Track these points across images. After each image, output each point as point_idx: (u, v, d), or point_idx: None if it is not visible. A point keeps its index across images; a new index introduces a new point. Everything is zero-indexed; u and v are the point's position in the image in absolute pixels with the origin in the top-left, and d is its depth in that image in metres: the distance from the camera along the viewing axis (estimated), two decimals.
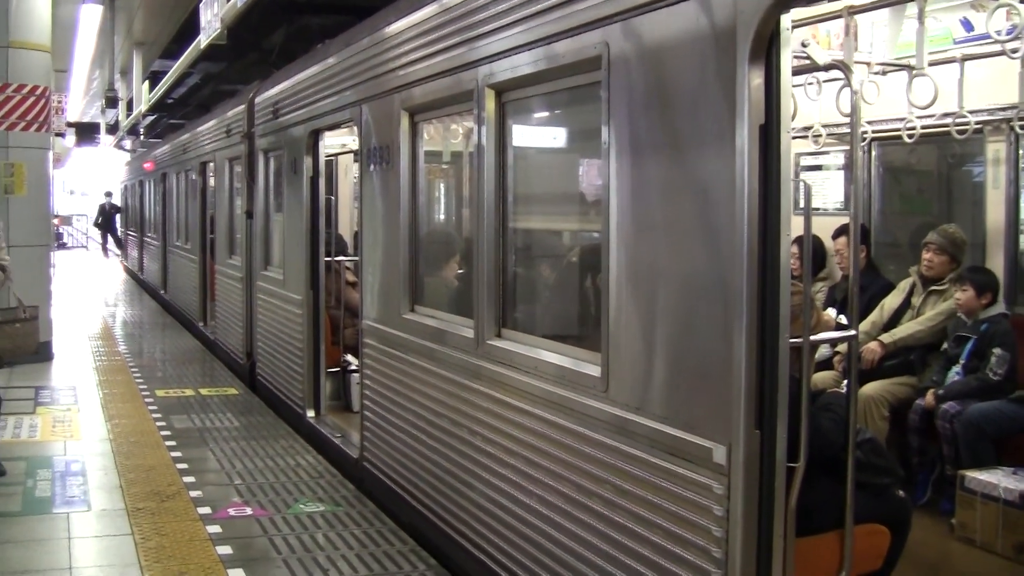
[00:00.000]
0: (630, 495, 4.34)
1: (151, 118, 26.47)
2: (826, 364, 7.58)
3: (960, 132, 6.99)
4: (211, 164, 15.49)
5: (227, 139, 13.81)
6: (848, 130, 5.56)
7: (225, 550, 6.41)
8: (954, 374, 6.93)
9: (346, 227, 12.18)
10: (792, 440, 3.82)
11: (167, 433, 9.54)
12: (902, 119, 7.31)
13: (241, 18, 11.41)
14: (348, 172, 12.63)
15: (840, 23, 6.47)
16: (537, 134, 6.41)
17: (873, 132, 7.88)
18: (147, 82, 23.11)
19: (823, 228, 8.29)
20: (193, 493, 7.59)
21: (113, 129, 30.67)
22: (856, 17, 6.42)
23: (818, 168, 8.61)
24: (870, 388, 7.17)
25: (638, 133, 4.34)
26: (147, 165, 24.93)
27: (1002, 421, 6.51)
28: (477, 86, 5.80)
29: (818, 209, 8.55)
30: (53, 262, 14.92)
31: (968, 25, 7.08)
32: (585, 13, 4.64)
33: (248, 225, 12.42)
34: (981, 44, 6.80)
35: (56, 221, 31.81)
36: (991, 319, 6.88)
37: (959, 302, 7.02)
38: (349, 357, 10.14)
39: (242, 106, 12.78)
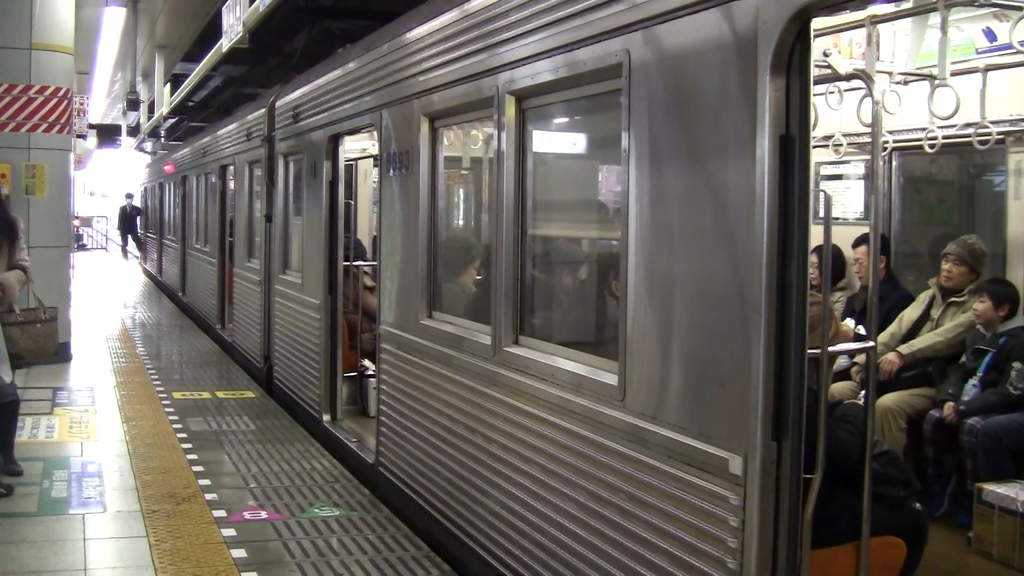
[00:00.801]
0: (645, 504, 4.32)
1: (172, 120, 26.62)
2: (844, 375, 7.55)
3: (982, 143, 6.95)
4: (231, 167, 15.54)
5: (247, 142, 13.85)
6: (869, 139, 5.54)
7: (240, 553, 6.42)
8: (971, 387, 6.88)
9: (364, 232, 12.19)
10: (809, 451, 3.80)
11: (183, 435, 9.56)
12: (923, 129, 7.28)
13: (263, 22, 11.47)
14: (368, 177, 12.64)
15: (862, 32, 6.44)
16: (557, 141, 6.40)
17: (894, 142, 7.84)
18: (169, 85, 23.24)
19: (843, 238, 8.25)
20: (208, 496, 7.60)
21: (134, 131, 30.86)
22: (878, 26, 6.40)
23: (838, 177, 8.57)
24: (888, 399, 7.13)
25: (658, 141, 4.33)
26: (167, 167, 25.03)
27: (1022, 434, 6.46)
28: (497, 92, 5.79)
29: (838, 219, 8.51)
30: (73, 263, 14.97)
31: (991, 35, 7.04)
32: (606, 21, 4.63)
33: (267, 229, 12.44)
34: (1004, 55, 6.76)
35: (76, 222, 31.96)
36: (1010, 332, 6.83)
37: (977, 313, 6.97)
38: (366, 362, 10.14)
39: (262, 110, 12.81)
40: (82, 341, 15.05)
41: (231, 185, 15.85)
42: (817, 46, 3.70)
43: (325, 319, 9.74)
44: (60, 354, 13.29)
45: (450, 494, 6.49)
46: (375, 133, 8.17)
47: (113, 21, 19.13)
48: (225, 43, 12.95)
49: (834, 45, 6.75)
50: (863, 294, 7.95)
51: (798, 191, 3.63)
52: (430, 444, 6.82)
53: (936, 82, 6.47)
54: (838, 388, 7.29)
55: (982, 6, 6.08)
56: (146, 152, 33.45)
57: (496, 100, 5.81)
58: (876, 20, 6.22)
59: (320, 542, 6.70)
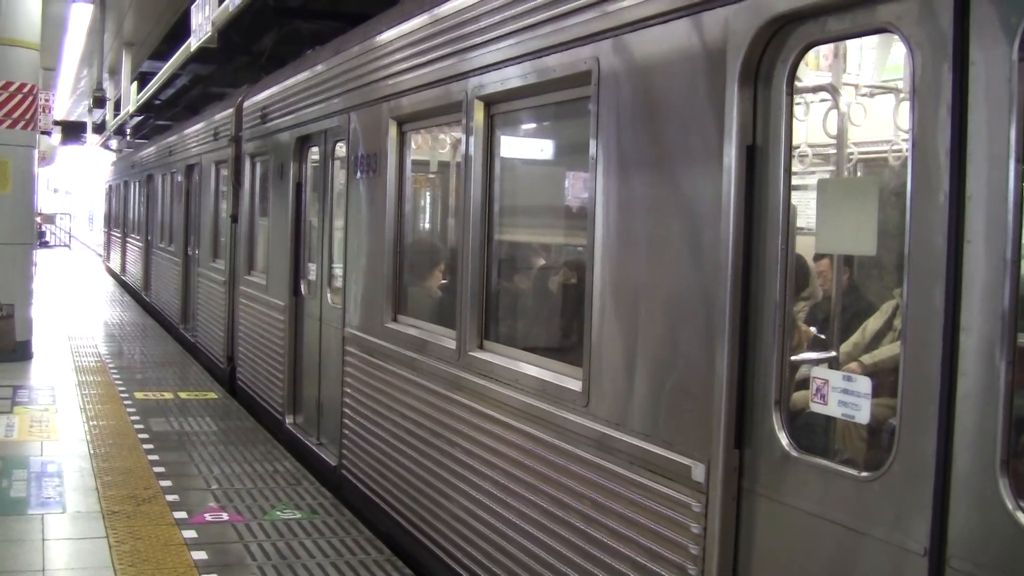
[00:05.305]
0: (608, 511, 4.34)
1: (138, 119, 26.43)
2: (807, 383, 7.57)
3: None
4: (197, 167, 15.46)
5: (214, 142, 13.79)
6: (835, 151, 5.59)
7: (200, 555, 6.38)
8: None
9: None
10: None
11: (145, 436, 9.50)
12: (888, 142, 7.33)
13: (232, 21, 11.41)
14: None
15: (829, 44, 6.48)
16: (525, 147, 6.41)
17: (859, 154, 7.89)
18: (135, 83, 23.07)
19: (810, 248, 8.27)
20: (169, 497, 7.55)
21: (100, 128, 30.60)
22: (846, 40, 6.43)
23: (804, 188, 8.59)
24: None
25: (626, 149, 4.35)
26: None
27: None
28: (466, 97, 5.80)
29: (803, 229, 8.54)
30: (35, 261, 14.84)
31: None
32: (576, 28, 4.65)
33: (232, 229, 12.39)
34: None
35: (39, 220, 31.71)
36: None
37: None
38: None
39: (230, 110, 12.76)
40: (44, 339, 14.91)
41: (197, 184, 15.78)
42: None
43: (289, 321, 9.71)
44: (21, 352, 13.23)
45: (413, 498, 6.48)
46: (323, 140, 8.15)
47: (80, 17, 18.98)
48: (193, 42, 12.87)
49: None
50: (826, 304, 7.99)
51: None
52: (393, 447, 6.82)
53: (901, 95, 6.52)
54: (801, 397, 7.32)
55: None
56: (111, 150, 33.20)
57: (465, 105, 5.82)
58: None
59: (282, 545, 6.67)
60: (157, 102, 23.87)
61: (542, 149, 6.54)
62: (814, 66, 7.11)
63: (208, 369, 13.65)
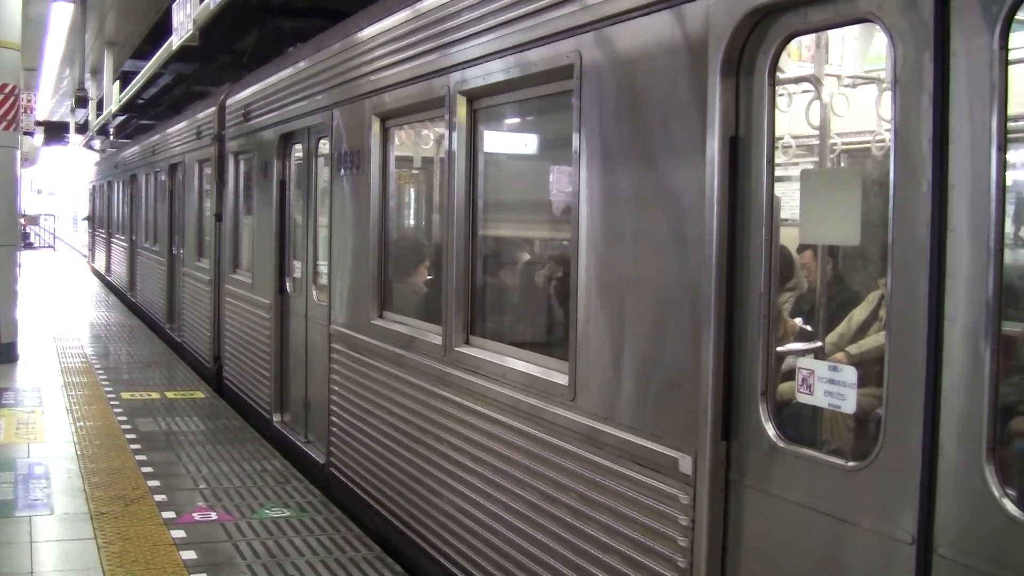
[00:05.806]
0: (596, 504, 4.34)
1: (121, 118, 26.32)
2: (793, 375, 7.58)
3: None
4: (181, 166, 15.42)
5: (197, 141, 13.75)
6: (818, 142, 5.60)
7: (189, 555, 6.37)
8: None
9: None
10: None
11: (132, 436, 9.47)
12: (872, 132, 7.34)
13: (214, 20, 11.38)
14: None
15: (811, 35, 6.49)
16: (508, 141, 6.41)
17: (843, 144, 7.90)
18: (118, 82, 22.98)
19: (794, 239, 8.29)
20: (158, 497, 7.53)
21: (83, 129, 30.48)
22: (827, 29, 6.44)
23: (787, 179, 8.60)
24: None
25: (609, 142, 4.35)
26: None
27: None
28: (449, 92, 5.79)
29: (787, 220, 8.54)
30: (19, 262, 14.78)
31: None
32: (557, 22, 4.64)
33: (217, 228, 12.36)
34: None
35: (22, 221, 31.56)
36: None
37: None
38: None
39: (213, 108, 12.73)
40: (29, 341, 14.87)
41: (181, 183, 15.74)
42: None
43: (275, 319, 9.68)
44: (6, 354, 13.19)
45: (402, 494, 6.48)
46: (306, 136, 8.15)
47: (61, 17, 18.88)
48: (175, 40, 12.84)
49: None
50: (811, 295, 8.00)
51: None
52: (381, 444, 6.81)
53: (883, 85, 6.53)
54: (787, 388, 7.33)
55: None
56: (95, 150, 33.05)
57: (447, 100, 5.81)
58: None
59: (271, 543, 6.66)
60: (140, 101, 23.79)
61: (525, 144, 6.53)
62: (796, 57, 7.11)
63: (195, 368, 13.61)
